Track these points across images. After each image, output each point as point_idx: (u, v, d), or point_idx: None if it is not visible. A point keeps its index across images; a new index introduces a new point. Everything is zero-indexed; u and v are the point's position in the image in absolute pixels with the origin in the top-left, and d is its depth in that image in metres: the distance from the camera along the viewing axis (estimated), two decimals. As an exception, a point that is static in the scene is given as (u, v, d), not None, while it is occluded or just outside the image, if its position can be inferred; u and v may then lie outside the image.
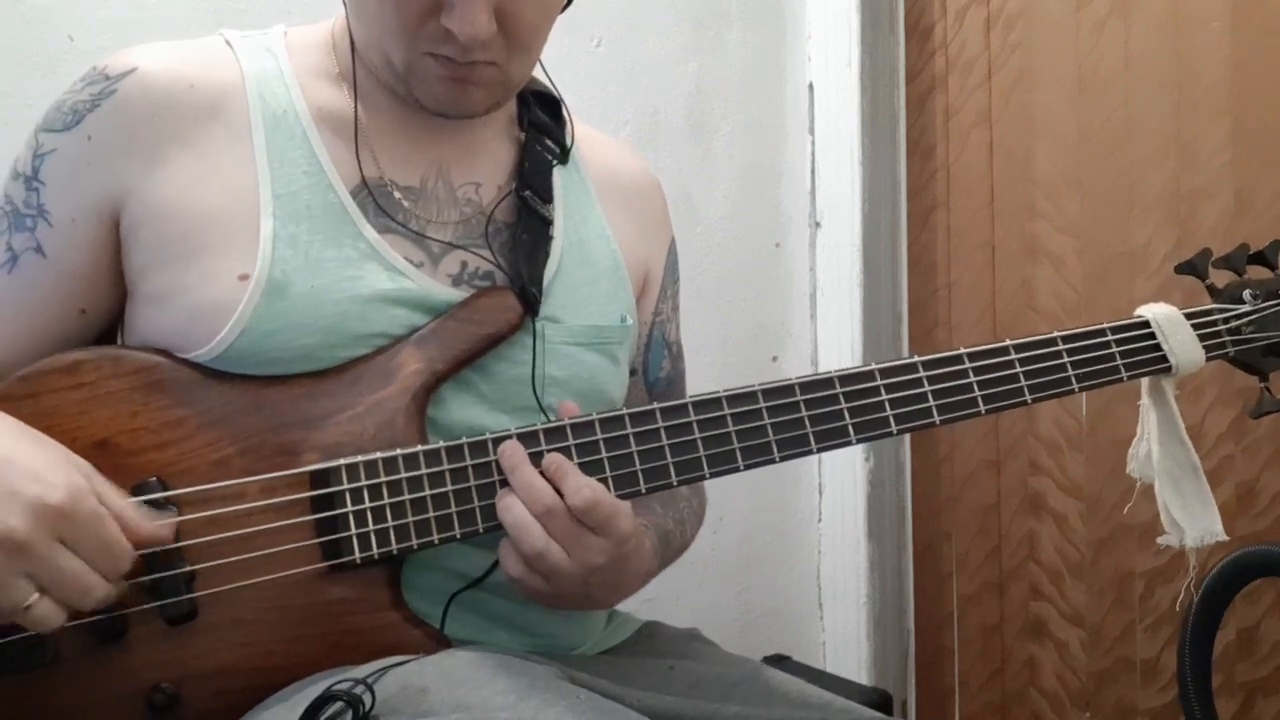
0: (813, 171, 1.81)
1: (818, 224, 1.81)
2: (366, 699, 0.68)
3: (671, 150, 1.68)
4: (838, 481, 1.80)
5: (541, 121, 0.94)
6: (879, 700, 1.57)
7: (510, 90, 0.87)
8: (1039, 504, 1.72)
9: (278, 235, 0.79)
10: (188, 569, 0.74)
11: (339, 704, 0.67)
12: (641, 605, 1.07)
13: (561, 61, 1.55)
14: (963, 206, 1.78)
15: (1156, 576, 1.61)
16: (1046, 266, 1.69)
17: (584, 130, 1.00)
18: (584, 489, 0.76)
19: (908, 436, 1.84)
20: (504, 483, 0.78)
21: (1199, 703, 1.08)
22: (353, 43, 0.87)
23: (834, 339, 1.79)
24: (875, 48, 1.77)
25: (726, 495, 1.71)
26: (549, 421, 0.81)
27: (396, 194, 0.85)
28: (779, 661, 1.68)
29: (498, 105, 0.88)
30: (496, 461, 0.78)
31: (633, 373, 0.99)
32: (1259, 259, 1.01)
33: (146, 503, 0.75)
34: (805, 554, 1.83)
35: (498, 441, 0.79)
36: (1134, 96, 1.58)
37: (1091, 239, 1.63)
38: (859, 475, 1.77)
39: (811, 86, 1.81)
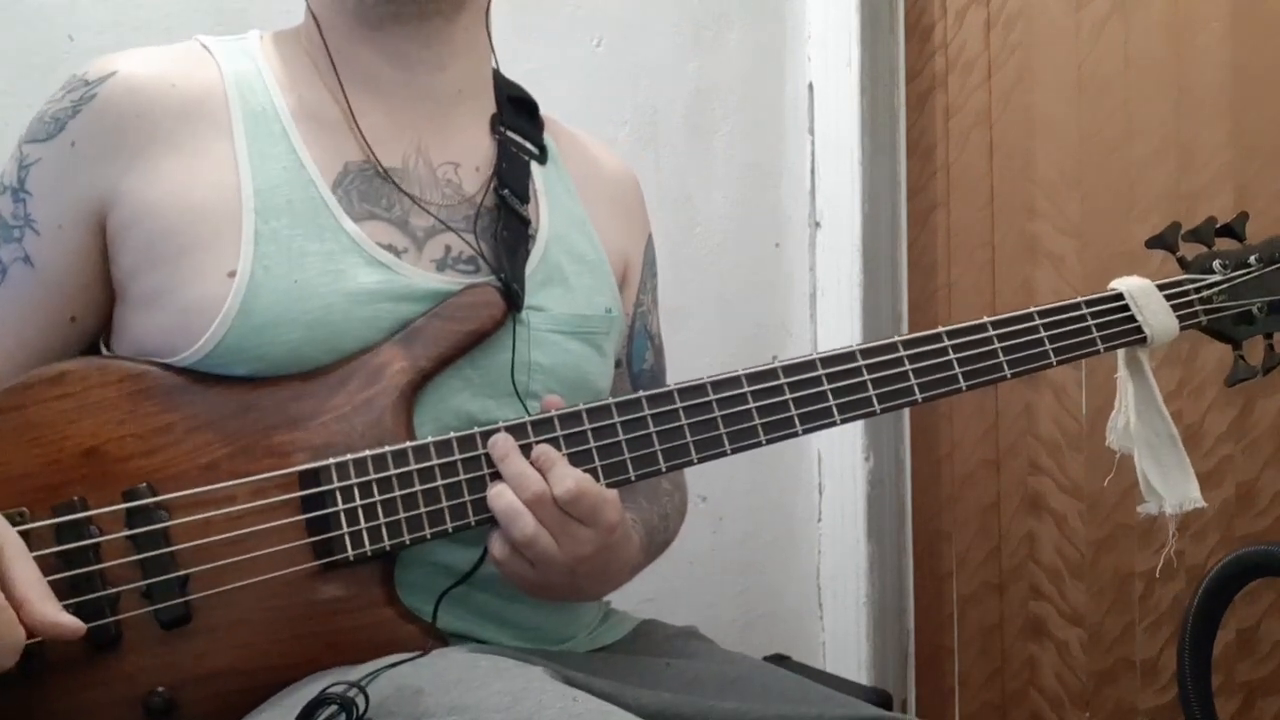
0: (813, 171, 1.81)
1: (817, 224, 1.81)
2: (360, 701, 0.67)
3: (671, 150, 1.68)
4: (838, 481, 1.80)
5: (516, 123, 0.95)
6: (879, 700, 1.57)
7: None
8: (1039, 504, 1.72)
9: (260, 231, 0.80)
10: (181, 573, 0.74)
11: (333, 707, 0.67)
12: (641, 605, 1.07)
13: (561, 61, 1.56)
14: (963, 206, 1.78)
15: (1156, 576, 1.61)
16: (1046, 266, 1.69)
17: (562, 128, 1.02)
18: (567, 479, 0.77)
19: (907, 436, 1.85)
20: (494, 476, 0.79)
21: (1199, 703, 1.09)
22: (319, 27, 0.88)
23: (834, 339, 1.79)
24: (875, 48, 1.77)
25: (727, 495, 1.71)
26: (536, 414, 0.82)
27: (380, 173, 0.86)
28: (779, 661, 1.69)
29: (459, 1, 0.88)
30: (486, 455, 0.79)
31: (617, 364, 1.00)
32: (1227, 231, 1.02)
33: (136, 509, 0.75)
34: (805, 554, 1.83)
35: (486, 435, 0.80)
36: (1134, 97, 1.58)
37: (1091, 239, 1.63)
38: (859, 475, 1.77)
39: (811, 86, 1.81)
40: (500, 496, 0.77)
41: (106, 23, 1.22)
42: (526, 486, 0.77)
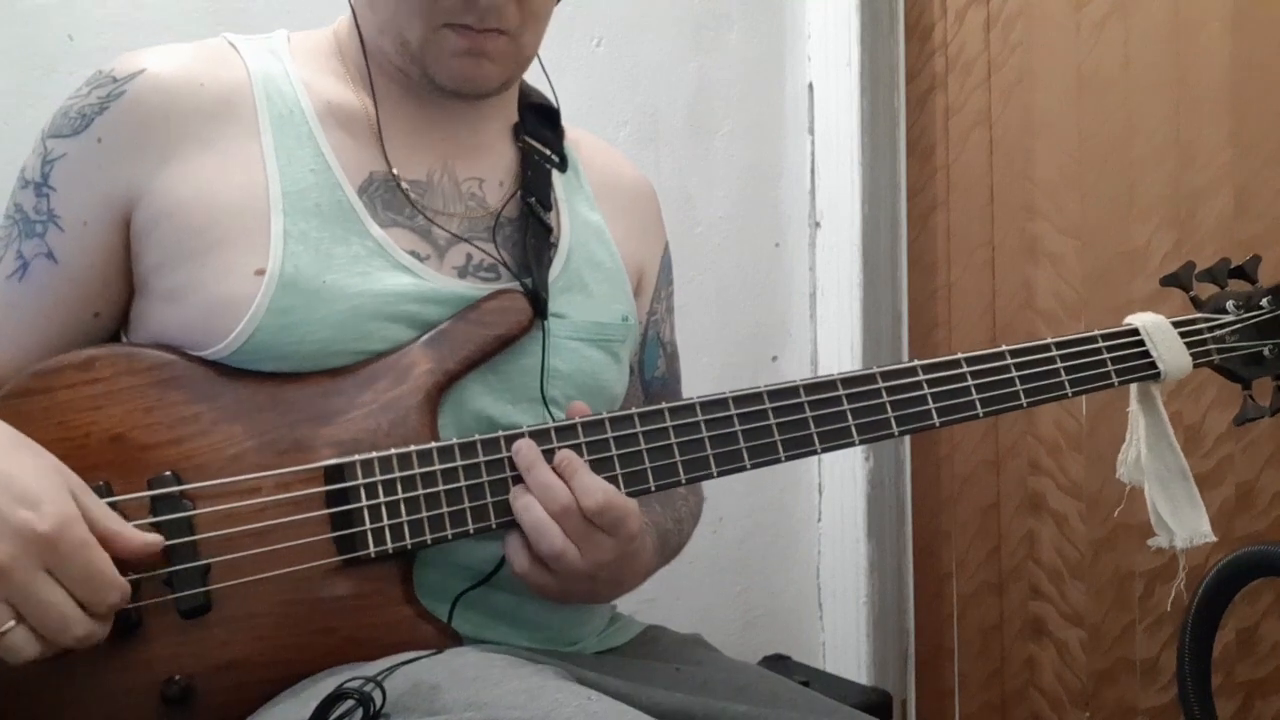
0: (812, 171, 1.81)
1: (817, 224, 1.81)
2: (377, 696, 0.68)
3: (671, 150, 1.68)
4: (838, 481, 1.80)
5: (538, 132, 0.96)
6: (879, 700, 1.57)
7: (520, 66, 0.90)
8: (1039, 504, 1.72)
9: (288, 232, 0.80)
10: (203, 562, 0.75)
11: (350, 702, 0.67)
12: (641, 606, 1.07)
13: (561, 61, 1.56)
14: (962, 206, 1.78)
15: (1156, 576, 1.61)
16: (1046, 266, 1.69)
17: (583, 136, 1.03)
18: (596, 492, 0.77)
19: (908, 437, 1.85)
20: (517, 478, 0.79)
21: (1198, 703, 1.09)
22: (362, 41, 0.89)
23: (833, 339, 1.79)
24: (875, 48, 1.78)
25: (726, 495, 1.71)
26: (560, 420, 0.82)
27: (404, 185, 0.87)
28: (778, 661, 1.69)
29: (507, 85, 0.90)
30: (509, 458, 0.80)
31: (630, 371, 1.00)
32: (1239, 273, 1.05)
33: (161, 496, 0.75)
34: (805, 554, 1.83)
35: (510, 439, 0.80)
36: (1134, 96, 1.58)
37: (1091, 239, 1.63)
38: (859, 475, 1.77)
39: (811, 86, 1.81)
40: (528, 510, 0.77)
41: (106, 22, 1.22)
42: (554, 498, 0.77)
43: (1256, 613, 1.52)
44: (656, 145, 1.66)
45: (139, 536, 0.71)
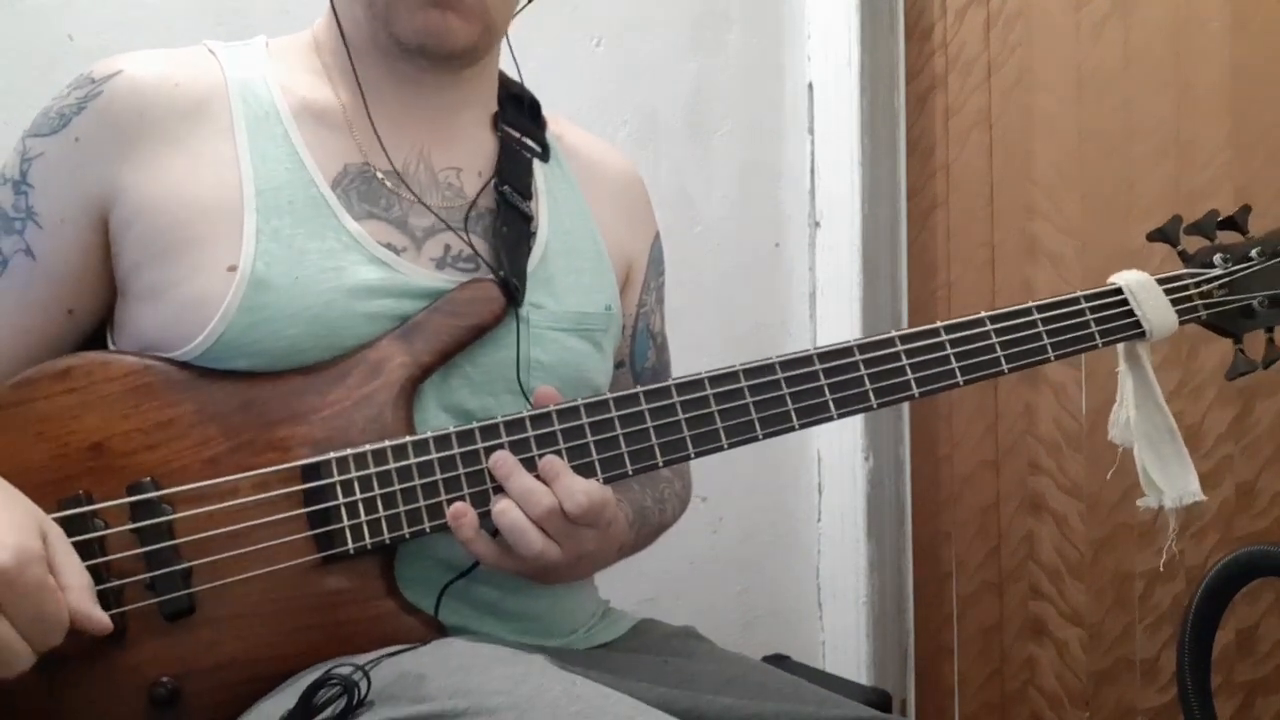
0: (812, 171, 1.81)
1: (817, 224, 1.81)
2: (363, 684, 0.69)
3: (671, 150, 1.68)
4: (837, 481, 1.80)
5: (518, 121, 0.96)
6: (878, 700, 1.57)
7: (487, 28, 0.88)
8: (1039, 504, 1.72)
9: (260, 229, 0.81)
10: (184, 565, 0.76)
11: (335, 689, 0.68)
12: (640, 604, 1.07)
13: (561, 61, 1.57)
14: (962, 206, 1.78)
15: (1156, 576, 1.61)
16: (1046, 266, 1.69)
17: (567, 127, 1.03)
18: (578, 494, 0.77)
19: (907, 436, 1.85)
20: (498, 489, 0.79)
21: (1198, 703, 1.09)
22: (340, 29, 0.89)
23: (834, 339, 1.76)
24: (875, 48, 1.78)
25: (726, 495, 1.71)
26: (535, 409, 0.82)
27: (379, 175, 0.87)
28: (778, 661, 1.69)
29: (476, 50, 0.88)
30: (484, 449, 0.80)
31: (620, 365, 1.01)
32: (1229, 224, 1.01)
33: (140, 502, 0.76)
34: (805, 554, 1.83)
35: (485, 430, 0.80)
36: (1134, 96, 1.58)
37: (1091, 239, 1.64)
38: (859, 475, 1.77)
39: (811, 86, 1.81)
40: (504, 514, 0.77)
41: (106, 22, 1.22)
42: (535, 503, 0.77)
43: (1256, 613, 1.52)
44: (655, 145, 1.66)
45: (88, 607, 0.69)
